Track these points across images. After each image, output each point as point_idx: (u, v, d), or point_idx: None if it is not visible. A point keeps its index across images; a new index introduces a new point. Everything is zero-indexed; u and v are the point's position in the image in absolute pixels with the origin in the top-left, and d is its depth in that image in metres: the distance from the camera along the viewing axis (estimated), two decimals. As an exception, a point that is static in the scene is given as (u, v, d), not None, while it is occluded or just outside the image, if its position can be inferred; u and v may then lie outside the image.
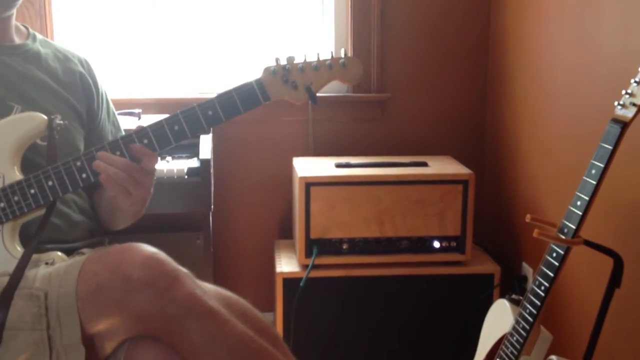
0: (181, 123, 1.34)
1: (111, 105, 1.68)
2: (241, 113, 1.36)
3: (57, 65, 1.55)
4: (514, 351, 1.51)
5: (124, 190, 1.32)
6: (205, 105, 1.34)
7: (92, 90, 1.59)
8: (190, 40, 2.48)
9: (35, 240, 1.29)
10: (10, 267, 1.24)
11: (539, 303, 1.44)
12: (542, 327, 1.54)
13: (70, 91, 1.54)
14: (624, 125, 1.29)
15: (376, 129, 2.53)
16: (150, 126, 1.34)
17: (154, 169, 1.37)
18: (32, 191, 1.31)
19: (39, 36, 1.59)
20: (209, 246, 2.18)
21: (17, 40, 1.53)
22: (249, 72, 2.47)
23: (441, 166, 2.23)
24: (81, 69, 1.59)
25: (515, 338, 1.51)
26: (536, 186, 2.16)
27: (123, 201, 1.36)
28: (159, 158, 1.38)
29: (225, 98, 1.35)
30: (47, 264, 1.30)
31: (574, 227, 1.37)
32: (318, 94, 1.40)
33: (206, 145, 2.07)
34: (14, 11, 1.49)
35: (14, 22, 1.52)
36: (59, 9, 2.39)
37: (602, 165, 1.32)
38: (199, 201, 1.97)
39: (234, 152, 2.47)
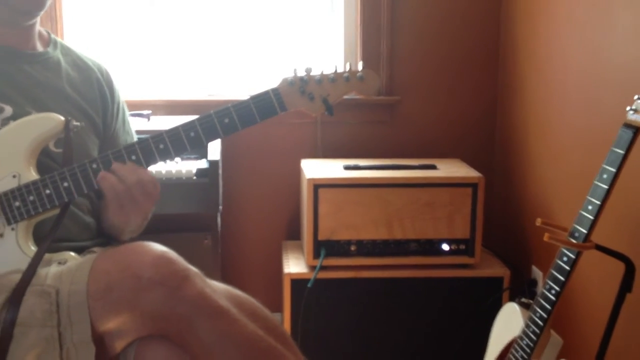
0: (197, 130, 1.34)
1: (127, 114, 1.68)
2: (257, 122, 1.36)
3: (76, 74, 1.55)
4: (524, 355, 1.50)
5: (118, 203, 1.33)
6: (221, 112, 1.35)
7: (107, 99, 1.59)
8: (200, 42, 2.49)
9: (48, 239, 1.30)
10: (24, 265, 1.25)
11: (549, 307, 1.43)
12: (552, 331, 1.53)
13: (88, 101, 1.54)
14: (636, 130, 1.29)
15: (385, 132, 2.53)
16: (167, 131, 1.35)
17: (155, 194, 1.37)
18: (48, 191, 1.32)
19: (60, 42, 1.58)
20: (217, 247, 2.19)
21: (39, 47, 1.53)
22: (258, 74, 2.48)
23: (450, 169, 2.23)
24: (99, 77, 1.59)
25: (525, 342, 1.50)
26: (546, 190, 2.16)
27: (114, 214, 1.37)
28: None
29: (242, 107, 1.35)
30: (59, 263, 1.30)
31: (585, 231, 1.36)
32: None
33: (215, 146, 2.08)
34: (38, 19, 1.49)
35: (37, 29, 1.52)
36: (69, 11, 2.40)
37: (613, 170, 1.32)
38: (207, 202, 1.97)
39: (243, 153, 2.48)
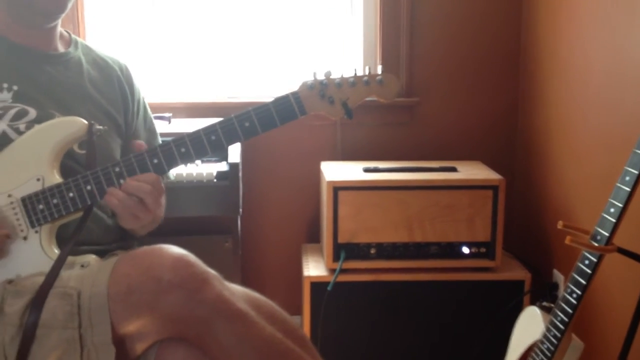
0: (218, 133, 1.36)
1: (148, 112, 1.70)
2: (277, 126, 1.37)
3: (97, 73, 1.57)
4: (545, 359, 1.49)
5: (132, 216, 1.35)
6: (242, 116, 1.36)
7: (128, 98, 1.61)
8: (221, 44, 2.50)
9: (71, 242, 1.32)
10: (47, 268, 1.27)
11: (570, 311, 1.42)
12: (573, 335, 1.52)
13: (110, 101, 1.56)
14: (659, 131, 1.27)
15: (405, 134, 2.52)
16: (189, 135, 1.36)
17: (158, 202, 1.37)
18: (71, 195, 1.34)
19: (80, 42, 1.61)
20: (238, 249, 2.20)
21: (61, 48, 1.55)
22: (278, 75, 2.49)
23: (471, 171, 2.22)
24: (119, 75, 1.61)
25: (545, 346, 1.49)
26: (568, 192, 2.14)
27: (126, 223, 1.39)
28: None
29: (262, 110, 1.36)
30: (82, 266, 1.32)
31: (607, 234, 1.35)
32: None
33: (235, 149, 2.09)
34: (59, 21, 1.51)
35: (58, 30, 1.54)
36: (91, 13, 2.42)
37: (636, 172, 1.30)
38: (227, 205, 1.98)
39: (263, 156, 2.48)
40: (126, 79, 1.63)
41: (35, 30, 1.48)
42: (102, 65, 1.60)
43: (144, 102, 1.68)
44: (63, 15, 1.48)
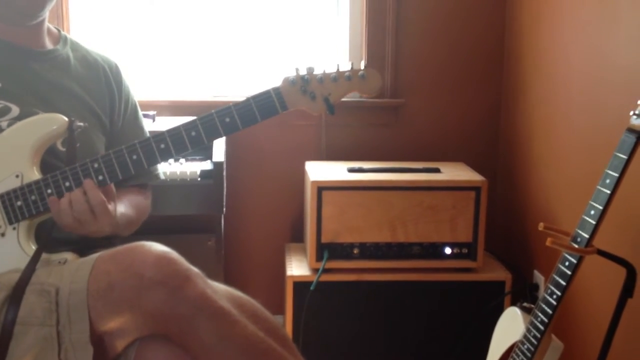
0: (198, 129, 1.34)
1: (138, 111, 1.68)
2: (258, 122, 1.36)
3: (85, 71, 1.56)
4: (525, 359, 1.50)
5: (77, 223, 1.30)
6: (222, 112, 1.35)
7: (115, 96, 1.60)
8: (206, 43, 2.49)
9: (47, 238, 1.30)
10: (24, 264, 1.25)
11: (550, 311, 1.43)
12: (553, 336, 1.53)
13: (96, 99, 1.55)
14: (639, 135, 1.29)
15: (389, 135, 2.53)
16: (168, 131, 1.35)
17: (107, 210, 1.32)
18: (49, 191, 1.32)
19: (70, 39, 1.59)
20: (221, 248, 2.19)
21: (49, 44, 1.53)
22: (263, 74, 2.48)
23: (454, 173, 2.23)
24: (108, 73, 1.60)
25: (526, 346, 1.50)
26: (549, 194, 2.16)
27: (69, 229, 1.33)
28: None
29: (243, 106, 1.35)
30: (59, 263, 1.30)
31: (587, 236, 1.36)
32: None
33: (219, 148, 2.08)
34: (45, 16, 1.49)
35: (45, 27, 1.52)
36: (76, 9, 2.41)
37: (616, 175, 1.32)
38: (211, 203, 1.98)
39: (247, 155, 2.48)
40: (115, 77, 1.61)
41: (19, 27, 1.47)
42: (91, 63, 1.58)
43: (133, 102, 1.66)
44: (43, 12, 1.46)
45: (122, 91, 1.62)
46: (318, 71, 1.38)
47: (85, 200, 1.29)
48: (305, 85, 1.37)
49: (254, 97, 1.36)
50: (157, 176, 1.67)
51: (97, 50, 1.64)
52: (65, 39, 1.58)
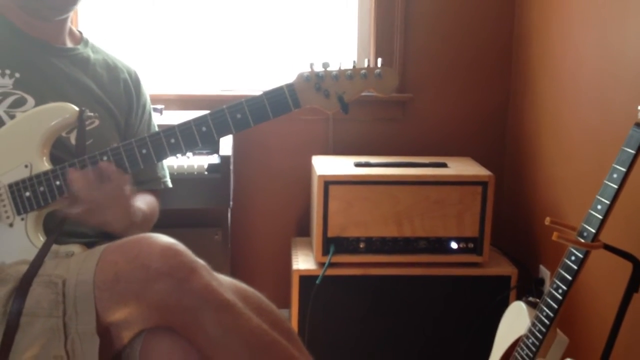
0: (209, 124, 1.33)
1: (153, 120, 1.68)
2: (270, 119, 1.33)
3: (104, 72, 1.57)
4: (530, 354, 1.50)
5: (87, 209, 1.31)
6: (234, 108, 1.33)
7: (133, 100, 1.60)
8: (214, 37, 2.50)
9: (57, 230, 1.31)
10: (32, 256, 1.26)
11: (556, 306, 1.43)
12: (558, 330, 1.53)
13: (112, 99, 1.55)
14: (646, 129, 1.29)
15: (396, 129, 2.53)
16: (179, 126, 1.34)
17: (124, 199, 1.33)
18: (58, 182, 1.32)
19: (91, 42, 1.60)
20: (227, 242, 2.20)
21: (69, 43, 1.54)
22: (271, 69, 2.49)
23: (461, 167, 2.23)
24: (127, 78, 1.60)
25: (531, 340, 1.50)
26: (556, 189, 2.15)
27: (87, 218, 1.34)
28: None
29: (255, 102, 1.32)
30: (67, 255, 1.31)
31: (594, 230, 1.36)
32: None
33: (227, 142, 2.09)
34: (70, 15, 1.50)
35: (68, 25, 1.53)
36: (84, 5, 2.41)
37: (624, 170, 1.31)
38: (218, 197, 1.98)
39: (254, 149, 2.49)
40: (134, 83, 1.62)
41: (45, 22, 1.47)
42: (111, 66, 1.59)
43: (149, 110, 1.67)
44: (73, 8, 1.47)
45: (140, 99, 1.63)
46: (333, 67, 1.34)
47: (105, 176, 1.29)
48: (319, 82, 1.34)
49: (267, 93, 1.33)
50: (165, 183, 1.67)
51: (118, 57, 1.64)
52: (87, 41, 1.59)
